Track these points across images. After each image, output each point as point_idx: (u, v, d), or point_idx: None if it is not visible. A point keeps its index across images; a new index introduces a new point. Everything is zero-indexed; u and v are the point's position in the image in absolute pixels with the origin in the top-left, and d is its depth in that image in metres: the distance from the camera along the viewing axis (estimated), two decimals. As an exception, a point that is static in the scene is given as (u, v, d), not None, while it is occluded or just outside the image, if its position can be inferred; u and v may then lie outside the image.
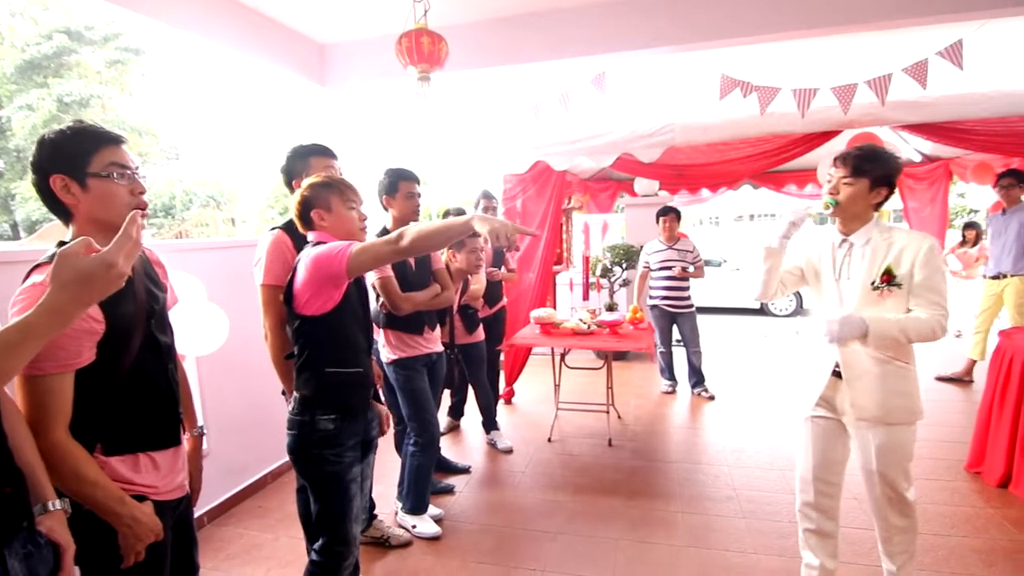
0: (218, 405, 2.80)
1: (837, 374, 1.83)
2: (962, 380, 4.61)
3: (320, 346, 1.60)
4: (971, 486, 2.88)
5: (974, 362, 4.60)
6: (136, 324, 1.19)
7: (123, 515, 1.12)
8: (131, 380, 1.19)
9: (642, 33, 3.12)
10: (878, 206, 1.79)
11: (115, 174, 1.15)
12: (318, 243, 1.57)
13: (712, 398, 4.47)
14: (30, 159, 1.15)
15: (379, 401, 1.99)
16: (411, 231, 1.44)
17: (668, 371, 4.77)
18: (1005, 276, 4.32)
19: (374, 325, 2.72)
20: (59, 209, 1.16)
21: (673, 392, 4.69)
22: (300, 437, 1.60)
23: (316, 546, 1.69)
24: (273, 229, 2.09)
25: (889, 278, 1.70)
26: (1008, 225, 4.31)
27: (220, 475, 2.80)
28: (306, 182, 1.66)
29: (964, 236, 6.24)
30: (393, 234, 1.45)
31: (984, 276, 4.58)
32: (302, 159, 2.12)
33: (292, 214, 1.66)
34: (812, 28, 2.92)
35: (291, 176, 2.13)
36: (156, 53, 18.37)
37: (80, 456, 1.09)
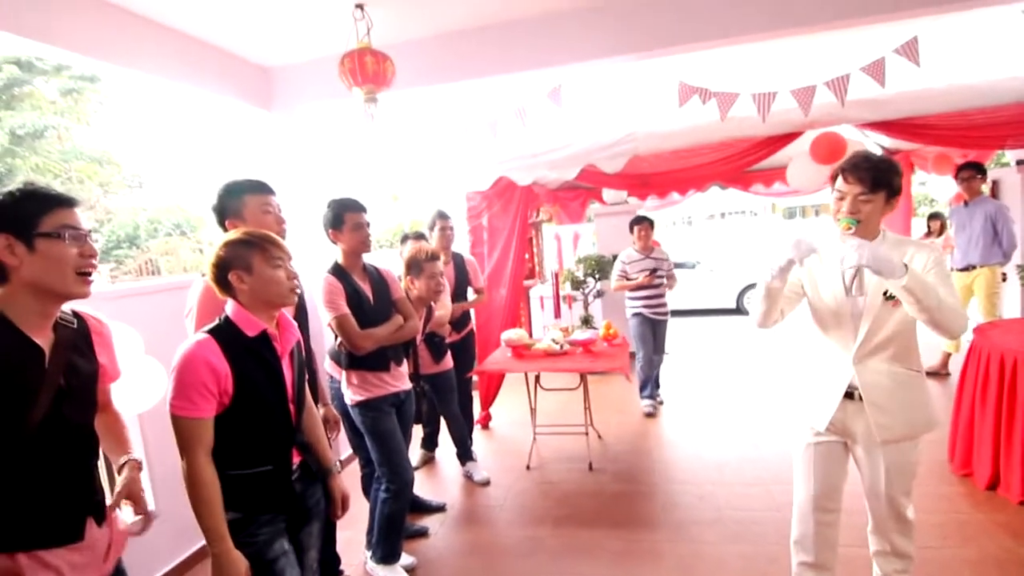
0: (166, 463, 2.57)
1: (848, 395, 1.71)
2: (939, 374, 4.59)
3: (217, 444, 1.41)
4: (959, 490, 2.82)
5: (949, 355, 4.60)
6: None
7: None
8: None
9: (595, 43, 3.03)
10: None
11: (67, 235, 1.12)
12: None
13: (661, 403, 4.53)
14: None
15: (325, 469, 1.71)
16: None
17: (650, 387, 4.44)
18: (974, 268, 4.34)
19: (335, 364, 2.55)
20: None
21: (655, 414, 4.38)
22: None
23: None
24: (204, 275, 1.92)
25: None
26: (972, 217, 4.33)
27: (171, 538, 2.57)
28: (221, 239, 1.46)
29: (929, 227, 6.30)
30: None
31: (952, 268, 4.59)
32: (236, 197, 1.97)
33: (208, 277, 1.48)
34: (767, 31, 2.87)
35: (224, 215, 1.97)
36: (113, 80, 17.68)
37: None
